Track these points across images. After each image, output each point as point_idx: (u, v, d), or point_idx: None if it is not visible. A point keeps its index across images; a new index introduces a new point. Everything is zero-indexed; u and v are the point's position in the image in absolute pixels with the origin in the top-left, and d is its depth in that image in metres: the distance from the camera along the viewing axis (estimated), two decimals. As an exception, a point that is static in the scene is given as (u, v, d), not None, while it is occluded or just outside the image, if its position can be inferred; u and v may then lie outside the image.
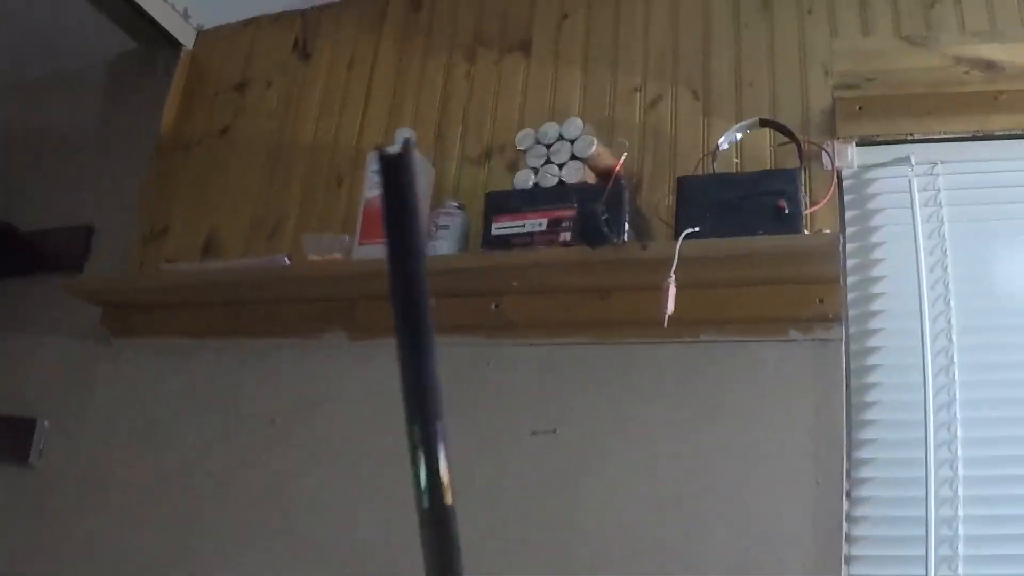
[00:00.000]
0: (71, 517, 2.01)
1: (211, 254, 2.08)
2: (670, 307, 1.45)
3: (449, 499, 0.59)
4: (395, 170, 0.61)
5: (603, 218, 1.46)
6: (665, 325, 1.44)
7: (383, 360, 1.81)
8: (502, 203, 1.63)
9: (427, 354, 0.59)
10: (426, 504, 0.59)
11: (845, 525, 1.54)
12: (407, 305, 0.60)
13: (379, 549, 1.71)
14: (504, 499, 1.65)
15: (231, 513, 1.85)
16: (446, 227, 1.68)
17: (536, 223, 1.59)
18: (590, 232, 1.46)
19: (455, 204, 1.71)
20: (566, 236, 1.56)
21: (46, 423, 2.12)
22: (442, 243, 1.68)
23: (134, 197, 2.25)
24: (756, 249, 1.50)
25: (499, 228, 1.61)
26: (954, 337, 1.64)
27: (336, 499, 1.78)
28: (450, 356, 1.76)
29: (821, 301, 1.59)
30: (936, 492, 1.55)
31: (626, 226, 1.55)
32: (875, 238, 1.71)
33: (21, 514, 2.08)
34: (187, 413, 1.97)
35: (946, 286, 1.67)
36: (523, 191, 1.63)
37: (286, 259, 1.81)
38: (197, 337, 2.02)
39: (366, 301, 1.83)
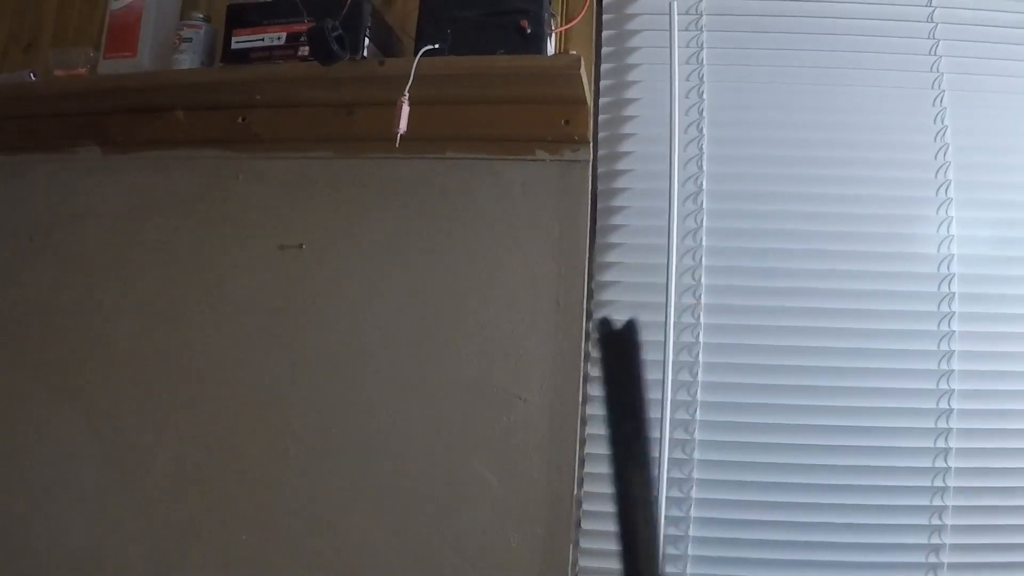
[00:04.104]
0: None
1: (-32, 70, 1.95)
2: (402, 126, 1.45)
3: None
4: (619, 352, 0.57)
5: (333, 34, 1.42)
6: (397, 144, 1.44)
7: (136, 174, 1.78)
8: (242, 16, 1.56)
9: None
10: None
11: (585, 345, 1.60)
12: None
13: (137, 347, 1.72)
14: (253, 312, 1.67)
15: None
16: (189, 40, 1.61)
17: (275, 37, 1.54)
18: (318, 48, 1.42)
19: (200, 16, 1.64)
20: (304, 51, 1.51)
21: None
22: (185, 56, 1.61)
23: None
24: (494, 68, 1.49)
25: (239, 42, 1.55)
26: (704, 165, 1.67)
27: (94, 309, 1.76)
28: (200, 168, 1.75)
29: (567, 122, 1.59)
30: (678, 318, 1.61)
31: (366, 42, 1.50)
32: (631, 60, 1.70)
33: None
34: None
35: (700, 112, 1.69)
36: (264, 4, 1.56)
37: (31, 75, 1.72)
38: (-47, 157, 1.92)
39: (118, 116, 1.76)
